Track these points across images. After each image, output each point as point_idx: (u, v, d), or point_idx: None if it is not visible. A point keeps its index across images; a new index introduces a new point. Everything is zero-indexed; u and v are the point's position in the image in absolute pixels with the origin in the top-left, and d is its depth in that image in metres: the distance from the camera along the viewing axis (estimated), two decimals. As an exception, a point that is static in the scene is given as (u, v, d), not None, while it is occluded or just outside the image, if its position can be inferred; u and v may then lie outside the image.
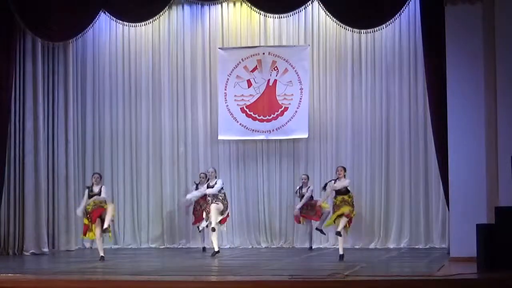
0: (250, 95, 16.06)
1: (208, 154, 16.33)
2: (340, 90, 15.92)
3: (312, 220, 14.97)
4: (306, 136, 15.84)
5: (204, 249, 15.10)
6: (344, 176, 13.11)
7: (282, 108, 15.90)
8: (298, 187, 15.21)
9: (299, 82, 15.83)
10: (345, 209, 12.82)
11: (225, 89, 16.09)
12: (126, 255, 14.89)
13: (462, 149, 12.57)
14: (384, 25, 14.21)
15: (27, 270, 12.27)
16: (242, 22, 16.23)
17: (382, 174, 15.61)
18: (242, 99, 16.07)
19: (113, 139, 16.56)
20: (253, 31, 16.21)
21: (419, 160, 15.41)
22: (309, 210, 14.89)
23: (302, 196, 15.02)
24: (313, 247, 15.32)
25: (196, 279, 10.34)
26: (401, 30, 15.52)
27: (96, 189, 13.53)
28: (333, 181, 13.13)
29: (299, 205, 14.93)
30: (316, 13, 15.78)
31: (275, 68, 15.97)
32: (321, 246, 15.59)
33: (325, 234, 14.95)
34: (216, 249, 13.84)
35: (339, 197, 12.95)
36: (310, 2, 14.30)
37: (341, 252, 12.83)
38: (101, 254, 13.43)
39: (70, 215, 15.69)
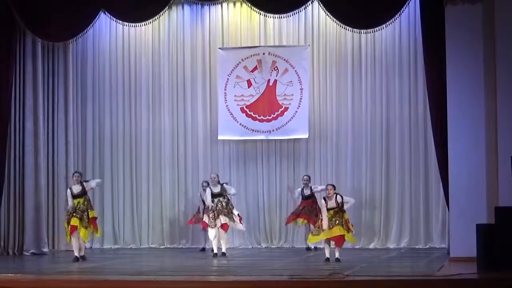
0: (250, 95, 16.04)
1: (208, 154, 16.32)
2: (340, 90, 15.91)
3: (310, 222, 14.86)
4: (306, 136, 15.82)
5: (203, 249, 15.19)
6: (335, 194, 12.62)
7: (282, 108, 15.89)
8: (300, 189, 15.18)
9: (299, 82, 15.82)
10: (337, 232, 12.48)
11: (225, 89, 16.07)
12: (126, 255, 14.89)
13: (462, 149, 12.58)
14: (384, 25, 14.23)
15: (27, 270, 12.27)
16: (242, 22, 16.21)
17: (382, 174, 15.60)
18: (242, 99, 16.05)
19: (113, 139, 16.54)
20: (253, 31, 16.20)
21: (419, 160, 15.40)
22: (309, 211, 14.86)
23: (305, 198, 15.00)
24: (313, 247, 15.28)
25: (196, 279, 10.34)
26: (401, 30, 15.50)
27: (75, 189, 13.47)
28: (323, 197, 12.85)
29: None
30: (316, 13, 15.77)
31: (275, 68, 15.96)
32: (321, 246, 15.52)
33: (312, 249, 14.83)
34: (216, 250, 13.93)
35: (331, 211, 12.61)
36: (310, 2, 14.31)
37: (337, 255, 12.69)
38: (76, 254, 13.45)
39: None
